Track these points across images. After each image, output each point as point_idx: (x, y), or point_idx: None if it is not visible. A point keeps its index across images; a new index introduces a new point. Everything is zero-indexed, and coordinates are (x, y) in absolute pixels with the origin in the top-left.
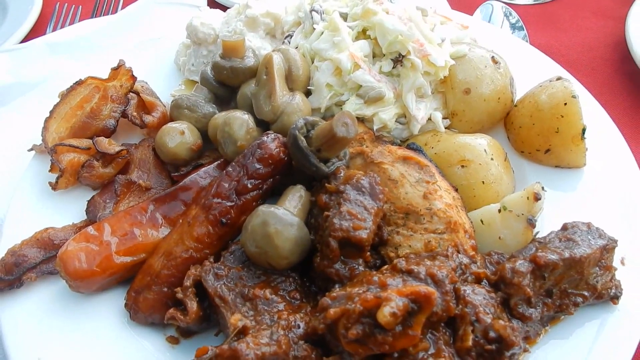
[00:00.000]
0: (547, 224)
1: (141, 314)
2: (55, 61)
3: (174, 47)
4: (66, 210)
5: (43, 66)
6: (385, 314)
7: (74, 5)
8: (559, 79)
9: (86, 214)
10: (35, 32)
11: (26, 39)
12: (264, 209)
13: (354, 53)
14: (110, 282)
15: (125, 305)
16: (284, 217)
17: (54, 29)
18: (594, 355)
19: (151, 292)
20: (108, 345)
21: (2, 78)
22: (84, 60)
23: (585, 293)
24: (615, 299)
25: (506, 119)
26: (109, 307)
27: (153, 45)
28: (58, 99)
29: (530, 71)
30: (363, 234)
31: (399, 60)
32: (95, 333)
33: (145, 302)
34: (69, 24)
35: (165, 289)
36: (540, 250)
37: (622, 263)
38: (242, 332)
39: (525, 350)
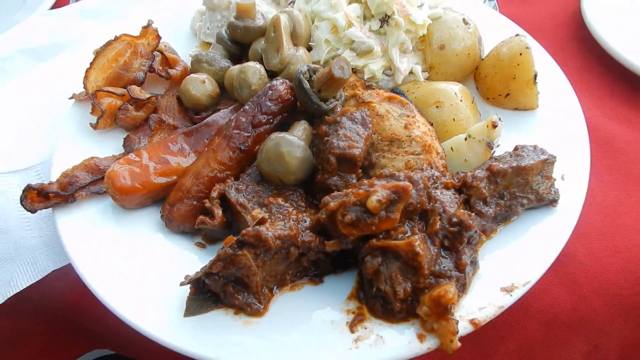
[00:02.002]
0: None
1: (175, 222)
2: (85, 25)
3: (188, 14)
4: (106, 146)
5: (75, 29)
6: (372, 201)
7: None
8: (517, 35)
9: (124, 148)
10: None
11: (55, 5)
12: (277, 134)
13: (348, 13)
14: (147, 199)
15: (161, 216)
16: (293, 140)
17: None
18: (535, 244)
19: (183, 205)
20: (148, 248)
21: (41, 39)
22: (110, 24)
23: (530, 196)
24: (554, 202)
25: (475, 72)
26: (148, 220)
27: (170, 11)
28: (92, 56)
29: (498, 34)
30: (356, 151)
31: (385, 20)
32: (137, 239)
33: (178, 212)
34: None
35: (195, 202)
36: (494, 162)
37: (562, 178)
38: (261, 222)
39: (481, 236)
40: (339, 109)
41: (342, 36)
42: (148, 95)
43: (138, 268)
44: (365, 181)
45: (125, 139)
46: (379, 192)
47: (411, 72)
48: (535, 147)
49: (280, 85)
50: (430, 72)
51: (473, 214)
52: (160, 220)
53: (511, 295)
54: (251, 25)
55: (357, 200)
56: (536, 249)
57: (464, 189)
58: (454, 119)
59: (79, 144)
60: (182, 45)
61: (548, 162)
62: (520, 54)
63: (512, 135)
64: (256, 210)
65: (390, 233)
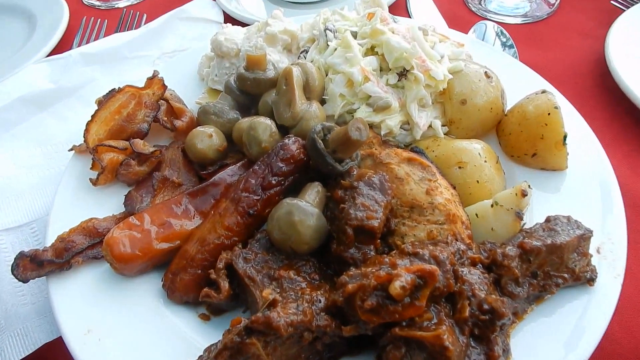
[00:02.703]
0: (534, 219)
1: (177, 293)
2: (89, 70)
3: (195, 59)
4: (105, 204)
5: (79, 75)
6: (396, 287)
7: (99, 19)
8: (543, 92)
9: (124, 206)
10: (64, 42)
11: (55, 50)
12: (288, 201)
13: (364, 67)
14: (148, 266)
15: (163, 285)
16: (306, 208)
17: (81, 42)
18: (574, 328)
19: (187, 274)
20: (147, 320)
21: (42, 85)
22: (115, 69)
23: (565, 275)
24: (591, 281)
25: (498, 126)
26: (148, 288)
27: (176, 57)
28: (95, 105)
29: (519, 84)
30: (375, 223)
31: (403, 74)
32: (136, 310)
33: (182, 282)
34: (95, 38)
35: (199, 271)
36: (526, 238)
37: (598, 252)
38: (272, 305)
39: (514, 322)
40: (355, 171)
41: (357, 91)
42: (152, 149)
43: (135, 347)
44: (386, 259)
45: (126, 196)
46: (402, 277)
47: (430, 127)
48: (569, 219)
49: (293, 144)
50: (451, 126)
51: (506, 299)
52: (162, 288)
53: None
54: (261, 77)
55: (378, 284)
56: (574, 335)
57: (494, 268)
58: (477, 181)
59: (77, 201)
60: (189, 90)
61: (584, 238)
62: (549, 114)
63: (540, 198)
64: (267, 290)
65: (414, 320)
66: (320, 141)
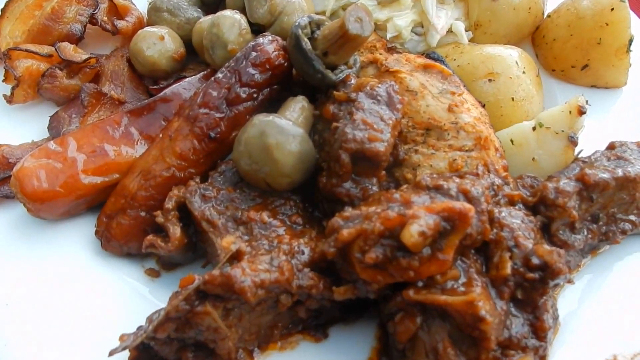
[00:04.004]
0: (583, 148)
1: (115, 241)
2: None
3: None
4: (25, 127)
5: None
6: (412, 233)
7: None
8: None
9: (48, 130)
10: None
11: None
12: (261, 117)
13: None
14: (77, 206)
15: (96, 232)
16: (286, 127)
17: None
18: (632, 294)
19: (126, 217)
20: (78, 280)
21: None
22: None
23: (634, 219)
24: None
25: (535, 34)
26: (78, 236)
27: None
28: None
29: None
30: (380, 147)
31: None
32: (62, 266)
33: (120, 228)
34: None
35: (143, 213)
36: (588, 169)
37: None
38: (236, 257)
39: (569, 282)
40: (352, 80)
41: None
42: (85, 57)
43: (62, 312)
44: (397, 194)
45: (51, 117)
46: (421, 219)
47: (450, 31)
48: (638, 144)
49: (269, 44)
50: (476, 31)
51: (562, 251)
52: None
53: None
54: None
55: (385, 229)
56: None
57: (542, 208)
58: (512, 98)
59: None
60: None
61: None
62: (612, 10)
63: (590, 122)
64: (228, 237)
65: (434, 279)
66: (306, 40)
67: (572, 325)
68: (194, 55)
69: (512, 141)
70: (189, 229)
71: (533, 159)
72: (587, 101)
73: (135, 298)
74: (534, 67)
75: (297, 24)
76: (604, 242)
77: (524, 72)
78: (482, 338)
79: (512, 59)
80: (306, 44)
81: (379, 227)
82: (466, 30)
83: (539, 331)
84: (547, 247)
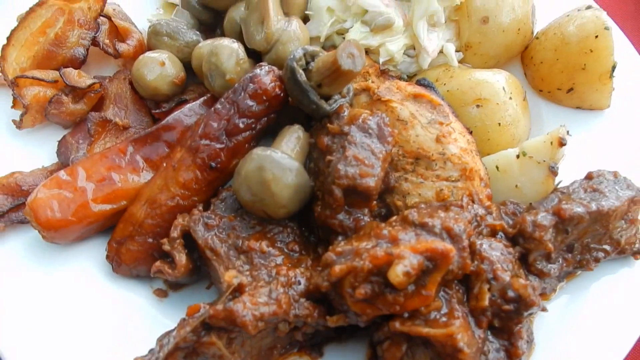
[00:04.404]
0: (565, 170)
1: (124, 266)
2: None
3: None
4: (35, 152)
5: None
6: (397, 273)
7: None
8: (588, 7)
9: (57, 156)
10: None
11: None
12: (259, 152)
13: None
14: (88, 231)
15: (107, 256)
16: (282, 162)
17: None
18: (609, 311)
19: (134, 243)
20: (90, 300)
21: None
22: None
23: (608, 248)
24: (638, 254)
25: (524, 53)
26: (89, 259)
27: None
28: (16, 21)
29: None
30: (371, 182)
31: None
32: (75, 287)
33: (129, 253)
34: None
35: (150, 240)
36: (564, 202)
37: None
38: (238, 290)
39: (543, 310)
40: (345, 111)
41: (351, 4)
42: (90, 82)
43: (75, 332)
44: (385, 230)
45: (59, 142)
46: (406, 260)
47: (440, 52)
48: (615, 174)
49: (266, 76)
50: (466, 52)
51: (537, 284)
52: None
53: None
54: None
55: (374, 267)
56: (611, 322)
57: (521, 240)
58: (499, 124)
59: None
60: (139, 5)
61: (635, 201)
62: (596, 37)
63: (573, 144)
64: (230, 272)
65: (419, 310)
66: (301, 71)
67: (540, 342)
68: (194, 77)
69: (497, 167)
70: (193, 254)
71: (516, 185)
72: (568, 132)
73: (144, 317)
74: (521, 92)
75: (292, 56)
76: (579, 269)
77: (510, 98)
78: None
79: (499, 85)
80: (301, 75)
81: (368, 265)
82: (457, 51)
83: (513, 356)
84: (522, 281)
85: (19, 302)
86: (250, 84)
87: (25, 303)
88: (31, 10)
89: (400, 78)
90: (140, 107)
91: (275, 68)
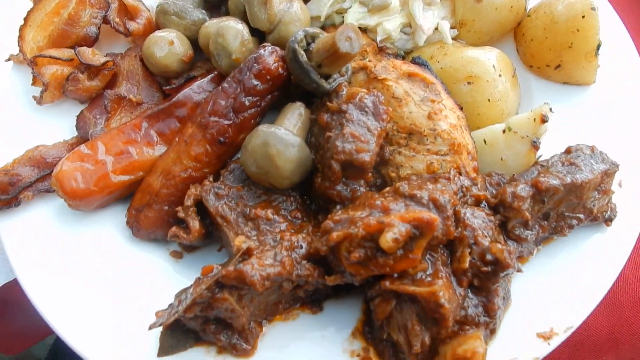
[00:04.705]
0: (550, 142)
1: (143, 231)
2: None
3: None
4: (55, 125)
5: None
6: (387, 239)
7: None
8: None
9: (76, 130)
10: None
11: None
12: (264, 129)
13: None
14: (109, 199)
15: (127, 222)
16: (285, 138)
17: None
18: (580, 276)
19: (152, 210)
20: (113, 260)
21: None
22: None
23: (581, 216)
24: (609, 221)
25: (516, 29)
26: (111, 224)
27: None
28: (31, 2)
29: None
30: (366, 157)
31: None
32: (99, 249)
33: (147, 219)
34: None
35: (166, 207)
36: (542, 175)
37: (620, 185)
38: (247, 253)
39: (519, 271)
40: (344, 90)
41: None
42: (103, 59)
43: (100, 288)
44: (378, 201)
45: (78, 117)
46: (395, 228)
47: (436, 29)
48: (592, 149)
49: (269, 56)
50: (461, 29)
51: (512, 247)
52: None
53: (549, 344)
54: None
55: (367, 234)
56: (581, 282)
57: (501, 209)
58: (489, 99)
59: (20, 124)
60: None
61: (608, 173)
62: (583, 17)
63: (559, 116)
64: (239, 238)
65: (407, 271)
66: (302, 52)
67: (516, 301)
68: (201, 54)
69: (484, 141)
70: (205, 220)
71: (501, 158)
72: (550, 109)
73: (162, 275)
74: (510, 69)
75: (293, 38)
76: (554, 235)
77: (500, 75)
78: (442, 319)
79: (489, 63)
80: (302, 56)
81: (362, 232)
82: (452, 28)
83: (490, 311)
84: (499, 246)
85: (50, 263)
86: (255, 64)
87: (56, 264)
88: None
89: (397, 55)
90: (151, 83)
91: (277, 48)
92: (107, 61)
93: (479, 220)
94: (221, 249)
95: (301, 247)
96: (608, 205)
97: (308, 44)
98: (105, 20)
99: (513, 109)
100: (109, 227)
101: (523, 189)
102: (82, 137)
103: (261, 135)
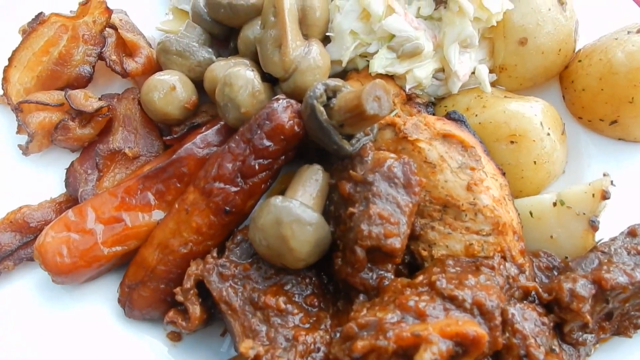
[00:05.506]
0: (607, 212)
1: (137, 311)
2: None
3: None
4: (43, 178)
5: None
6: (425, 359)
7: None
8: (639, 31)
9: (65, 186)
10: None
11: None
12: (277, 203)
13: None
14: (99, 272)
15: (119, 300)
16: (302, 215)
17: None
18: None
19: (147, 289)
20: (101, 344)
21: None
22: None
23: None
24: None
25: (563, 73)
26: (102, 299)
27: None
28: (20, 35)
29: (602, 8)
30: (396, 243)
31: (442, 1)
32: (86, 329)
33: (141, 299)
34: None
35: (163, 286)
36: (605, 268)
37: None
38: None
39: None
40: (369, 154)
41: (376, 28)
42: (97, 105)
43: None
44: (411, 301)
45: (67, 170)
46: (434, 346)
47: (472, 73)
48: None
49: (283, 112)
50: (501, 74)
51: (567, 351)
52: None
53: None
54: (240, 3)
55: (399, 349)
56: None
57: (556, 308)
58: (535, 162)
59: (4, 176)
60: (150, 9)
61: None
62: None
63: (614, 177)
64: (246, 342)
65: None
66: (322, 109)
67: None
68: (206, 96)
69: (531, 213)
70: (207, 301)
71: (551, 236)
72: (612, 181)
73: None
74: (559, 124)
75: (312, 93)
76: (616, 335)
77: (548, 134)
78: None
79: (536, 119)
80: (322, 114)
81: (393, 347)
82: (490, 72)
83: None
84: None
85: (28, 344)
86: (267, 122)
87: (35, 346)
88: (32, 29)
89: (428, 104)
90: (150, 130)
91: (293, 102)
92: (101, 107)
93: (530, 323)
94: (224, 333)
95: (318, 351)
96: None
97: (329, 98)
98: (101, 57)
99: (560, 170)
100: (99, 303)
101: (584, 287)
102: (72, 195)
103: (273, 210)
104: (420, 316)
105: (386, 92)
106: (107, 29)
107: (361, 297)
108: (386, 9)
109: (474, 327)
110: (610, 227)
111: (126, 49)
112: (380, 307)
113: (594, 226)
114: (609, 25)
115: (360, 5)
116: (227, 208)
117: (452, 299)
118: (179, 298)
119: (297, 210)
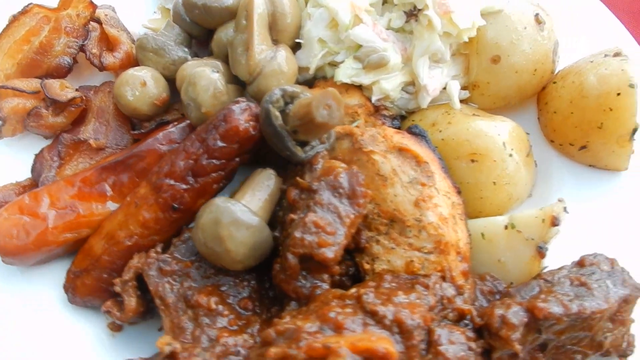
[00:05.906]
0: (563, 238)
1: (79, 298)
2: None
3: None
4: (13, 162)
5: None
6: None
7: None
8: (617, 54)
9: (31, 171)
10: None
11: None
12: (219, 202)
13: (355, 3)
14: (51, 256)
15: (64, 286)
16: (241, 217)
17: None
18: None
19: (90, 277)
20: (43, 325)
21: None
22: None
23: (589, 351)
24: (623, 357)
25: (540, 94)
26: (50, 284)
27: None
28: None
29: (584, 28)
30: (329, 253)
31: (413, 14)
32: (30, 312)
33: (83, 286)
34: None
35: (105, 275)
36: (542, 297)
37: None
38: (171, 357)
39: None
40: (319, 163)
41: (343, 37)
42: (71, 95)
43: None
44: (333, 312)
45: (36, 156)
46: (342, 359)
47: (444, 89)
48: (612, 263)
49: (241, 114)
50: (473, 91)
51: None
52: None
53: None
54: (214, 5)
55: (309, 358)
56: None
57: (486, 334)
58: (494, 182)
59: None
60: (137, 7)
61: (629, 300)
62: (618, 94)
63: (580, 206)
64: (164, 338)
65: None
66: (277, 114)
67: None
68: (179, 95)
69: (482, 235)
70: (147, 295)
71: (499, 260)
72: (565, 208)
73: (95, 352)
74: (525, 146)
75: (268, 97)
76: None
77: (510, 155)
78: None
79: (499, 138)
80: (277, 119)
81: (302, 356)
82: (463, 89)
83: None
84: None
85: None
86: (223, 122)
87: None
88: (15, 18)
89: (395, 117)
90: (122, 123)
91: (253, 105)
92: (75, 97)
93: (456, 347)
94: (162, 328)
95: (237, 354)
96: (625, 337)
97: (286, 103)
98: (82, 50)
99: (524, 193)
100: (47, 287)
101: (515, 314)
102: (35, 180)
103: (214, 210)
104: (338, 328)
105: (337, 101)
106: (91, 23)
107: (292, 304)
108: (354, 18)
109: (386, 345)
110: (572, 256)
111: (109, 43)
112: (303, 316)
113: (541, 252)
114: (594, 47)
115: (329, 14)
116: (175, 205)
117: (373, 314)
118: (117, 289)
119: (237, 212)
